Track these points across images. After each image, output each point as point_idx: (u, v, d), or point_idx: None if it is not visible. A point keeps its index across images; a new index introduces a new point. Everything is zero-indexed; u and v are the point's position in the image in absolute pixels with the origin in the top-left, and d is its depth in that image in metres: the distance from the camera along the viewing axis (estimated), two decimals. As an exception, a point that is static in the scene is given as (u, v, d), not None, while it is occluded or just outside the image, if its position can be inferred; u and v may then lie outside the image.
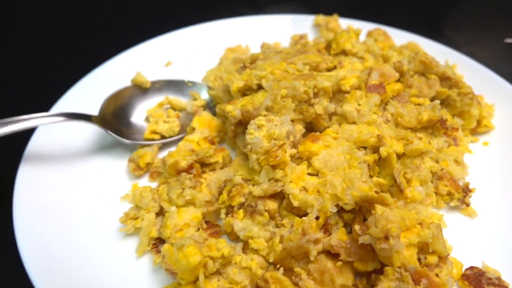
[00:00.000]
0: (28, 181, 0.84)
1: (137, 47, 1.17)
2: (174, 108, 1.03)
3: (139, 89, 1.03)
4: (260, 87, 0.91)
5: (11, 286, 0.77)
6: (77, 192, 0.86)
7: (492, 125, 0.99)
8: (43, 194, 0.83)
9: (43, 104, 1.00)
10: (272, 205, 0.74)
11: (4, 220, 0.81)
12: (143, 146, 0.94)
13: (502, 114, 1.01)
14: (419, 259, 0.68)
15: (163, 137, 0.98)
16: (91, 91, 1.03)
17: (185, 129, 0.98)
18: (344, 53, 1.01)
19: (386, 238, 0.63)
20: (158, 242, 0.76)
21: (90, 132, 0.97)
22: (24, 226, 0.76)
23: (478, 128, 0.98)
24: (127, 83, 1.02)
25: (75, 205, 0.83)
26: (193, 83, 1.07)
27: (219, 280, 0.70)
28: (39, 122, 0.83)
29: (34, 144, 0.90)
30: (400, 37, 1.20)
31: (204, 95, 1.05)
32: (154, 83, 1.04)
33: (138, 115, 1.01)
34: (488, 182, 0.88)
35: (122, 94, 1.00)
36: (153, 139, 0.96)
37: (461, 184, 0.85)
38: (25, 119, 0.82)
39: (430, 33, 1.25)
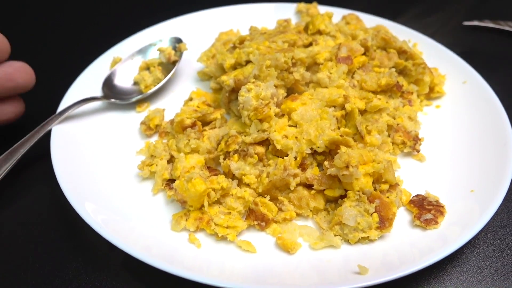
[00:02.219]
0: (61, 142, 1.02)
1: (134, 36, 1.35)
2: (154, 66, 1.23)
3: (123, 66, 1.25)
4: (248, 63, 1.10)
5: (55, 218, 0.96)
6: (101, 150, 1.03)
7: (443, 91, 1.18)
8: (75, 153, 1.01)
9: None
10: (260, 149, 0.93)
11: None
12: (145, 102, 1.18)
13: (453, 82, 1.20)
14: (375, 188, 0.88)
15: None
16: (94, 79, 1.21)
17: (168, 73, 1.21)
18: (319, 32, 1.20)
19: (347, 167, 0.83)
20: (170, 182, 0.94)
21: (101, 110, 1.15)
22: (63, 174, 0.93)
23: (432, 94, 1.18)
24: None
25: (100, 160, 1.00)
26: (156, 42, 1.28)
27: (219, 207, 0.89)
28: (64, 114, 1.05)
29: (57, 128, 1.06)
30: (370, 20, 1.39)
31: (168, 44, 1.27)
32: (128, 57, 1.26)
33: (129, 83, 1.23)
34: (438, 135, 1.07)
35: (112, 74, 1.22)
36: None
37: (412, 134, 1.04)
38: (50, 120, 1.03)
39: (398, 18, 1.45)
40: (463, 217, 0.85)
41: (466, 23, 1.60)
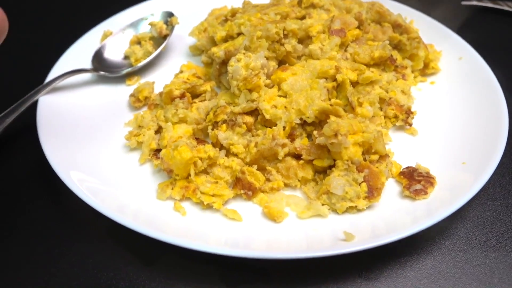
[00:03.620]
0: (48, 113, 1.00)
1: (127, 11, 1.33)
2: (145, 40, 1.22)
3: (113, 39, 1.23)
4: (239, 35, 1.08)
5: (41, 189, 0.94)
6: (89, 122, 1.02)
7: (438, 68, 1.17)
8: (61, 124, 1.00)
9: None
10: (249, 119, 0.91)
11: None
12: (135, 75, 1.16)
13: (448, 59, 1.18)
14: (364, 159, 0.86)
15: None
16: (84, 52, 1.19)
17: (159, 47, 1.20)
18: (313, 6, 1.17)
19: (336, 135, 0.81)
20: (157, 152, 0.93)
21: (90, 82, 1.14)
22: (49, 144, 0.91)
23: (427, 70, 1.16)
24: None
25: (88, 131, 0.99)
26: (147, 17, 1.26)
27: (206, 177, 0.87)
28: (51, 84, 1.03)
29: (45, 99, 1.05)
30: (366, -4, 1.37)
31: (159, 18, 1.26)
32: (119, 31, 1.24)
33: (120, 56, 1.21)
34: (431, 110, 1.06)
35: (103, 47, 1.20)
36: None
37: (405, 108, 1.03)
38: (37, 90, 1.02)
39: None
40: (453, 188, 0.83)
41: (464, 2, 1.57)
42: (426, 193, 0.83)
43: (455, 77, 1.14)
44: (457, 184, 0.84)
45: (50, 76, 1.10)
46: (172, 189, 0.85)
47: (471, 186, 0.82)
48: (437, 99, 1.09)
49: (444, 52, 1.20)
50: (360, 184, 0.82)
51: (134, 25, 1.26)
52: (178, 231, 0.77)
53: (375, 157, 0.87)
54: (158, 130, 0.97)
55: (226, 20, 1.15)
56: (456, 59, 1.18)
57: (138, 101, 1.06)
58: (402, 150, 0.96)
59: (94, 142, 0.97)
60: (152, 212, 0.82)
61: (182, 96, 0.99)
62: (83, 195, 0.80)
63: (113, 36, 1.23)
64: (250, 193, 0.84)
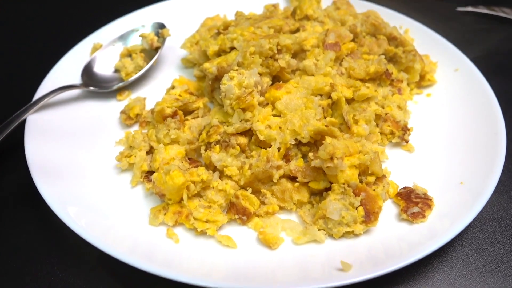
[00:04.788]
0: (36, 132, 0.97)
1: (116, 22, 1.30)
2: (136, 53, 1.19)
3: (103, 52, 1.20)
4: (232, 49, 1.05)
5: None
6: (78, 141, 0.99)
7: (434, 79, 1.15)
8: (50, 144, 0.97)
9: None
10: (242, 140, 0.89)
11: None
12: (126, 90, 1.14)
13: (444, 70, 1.17)
14: (360, 180, 0.85)
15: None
16: (72, 66, 1.16)
17: (151, 60, 1.17)
18: (307, 18, 1.15)
19: (332, 159, 0.80)
20: (149, 174, 0.91)
21: (79, 98, 1.11)
22: (36, 166, 0.89)
23: (423, 82, 1.14)
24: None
25: (77, 151, 0.96)
26: (138, 28, 1.23)
27: (199, 200, 0.85)
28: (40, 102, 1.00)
29: (33, 117, 1.01)
30: (361, 6, 1.34)
31: (150, 30, 1.23)
32: (109, 43, 1.21)
33: (110, 70, 1.18)
34: (428, 125, 1.04)
35: (92, 61, 1.17)
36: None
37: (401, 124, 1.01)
38: (25, 109, 0.99)
39: (390, 3, 1.40)
40: (451, 211, 0.82)
41: (459, 8, 1.56)
42: (424, 216, 0.81)
43: (451, 90, 1.12)
44: (456, 207, 0.83)
45: (39, 94, 1.07)
46: (165, 214, 0.83)
47: (470, 209, 0.80)
48: (434, 114, 1.07)
49: (440, 63, 1.18)
50: (357, 208, 0.80)
51: (124, 37, 1.23)
52: (171, 261, 0.75)
53: (371, 178, 0.85)
54: (150, 151, 0.95)
55: (218, 33, 1.13)
56: (452, 70, 1.16)
57: (129, 118, 1.04)
58: (399, 168, 0.94)
59: (83, 163, 0.94)
60: (144, 240, 0.79)
61: (174, 115, 0.96)
62: (72, 223, 0.78)
63: (103, 49, 1.20)
64: (244, 218, 0.82)
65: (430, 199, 0.85)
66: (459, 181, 0.88)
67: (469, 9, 1.55)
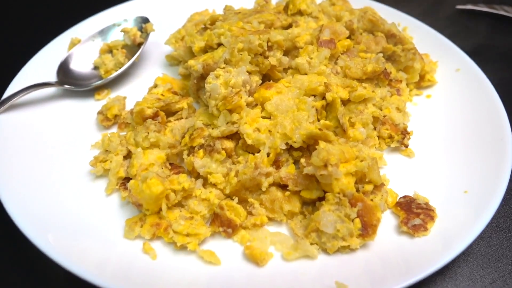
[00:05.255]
0: (4, 134, 0.90)
1: (97, 16, 1.22)
2: (117, 49, 1.11)
3: (81, 48, 1.11)
4: (219, 46, 0.97)
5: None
6: (51, 144, 0.92)
7: (435, 80, 1.08)
8: (19, 147, 0.89)
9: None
10: (228, 144, 0.82)
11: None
12: (105, 89, 1.06)
13: (445, 70, 1.10)
14: (357, 189, 0.77)
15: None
16: (48, 62, 1.08)
17: (133, 56, 1.09)
18: (300, 13, 1.08)
19: (325, 166, 0.72)
20: (126, 181, 0.83)
21: (54, 97, 1.03)
22: (3, 176, 0.81)
23: (422, 82, 1.07)
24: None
25: (49, 155, 0.89)
26: (120, 23, 1.15)
27: (180, 211, 0.78)
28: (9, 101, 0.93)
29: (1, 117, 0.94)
30: (358, 2, 1.27)
31: (133, 24, 1.15)
32: (88, 39, 1.13)
33: (88, 67, 1.10)
34: (428, 128, 0.97)
35: (69, 57, 1.09)
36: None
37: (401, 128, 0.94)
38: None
39: (388, 1, 1.34)
40: (455, 223, 0.75)
41: (459, 6, 1.49)
42: (426, 229, 0.74)
43: (452, 91, 1.05)
44: (460, 218, 0.76)
45: (9, 92, 0.98)
46: (142, 226, 0.75)
47: (476, 221, 0.74)
48: (434, 116, 1.01)
49: (440, 62, 1.12)
50: (353, 220, 0.73)
51: (105, 32, 1.14)
52: (147, 281, 0.67)
53: (369, 187, 0.78)
54: (128, 155, 0.87)
55: (205, 28, 1.05)
56: (453, 70, 1.09)
57: (107, 119, 0.96)
58: (398, 175, 0.87)
59: (55, 168, 0.87)
60: (118, 256, 0.71)
61: (155, 116, 0.88)
62: (36, 237, 0.70)
63: (82, 44, 1.12)
64: (229, 230, 0.75)
65: (433, 210, 0.78)
66: (463, 189, 0.82)
67: (469, 7, 1.49)
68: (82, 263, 0.67)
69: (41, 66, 1.08)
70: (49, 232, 0.72)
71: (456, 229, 0.74)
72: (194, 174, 0.83)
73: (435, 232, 0.75)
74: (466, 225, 0.74)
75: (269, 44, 0.92)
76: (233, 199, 0.78)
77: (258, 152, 0.80)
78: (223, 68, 0.89)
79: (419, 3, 1.50)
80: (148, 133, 0.84)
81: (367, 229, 0.73)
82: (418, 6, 1.47)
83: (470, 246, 0.79)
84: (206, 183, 0.81)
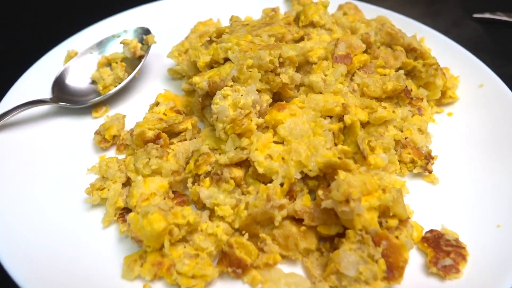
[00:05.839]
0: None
1: (94, 26, 1.15)
2: (116, 62, 1.04)
3: (78, 61, 1.05)
4: (226, 61, 0.90)
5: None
6: (44, 167, 0.85)
7: (456, 96, 1.01)
8: (10, 170, 0.82)
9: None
10: (237, 172, 0.74)
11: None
12: (103, 105, 0.99)
13: (467, 85, 1.03)
14: (380, 223, 0.70)
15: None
16: (42, 77, 1.02)
17: (133, 70, 1.02)
18: (312, 25, 1.00)
19: (347, 201, 0.65)
20: (125, 212, 0.76)
21: (49, 115, 0.96)
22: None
23: (443, 99, 1.00)
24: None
25: (42, 179, 0.83)
26: (119, 34, 1.08)
27: (185, 247, 0.70)
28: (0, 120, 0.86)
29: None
30: (370, 11, 1.21)
31: (133, 36, 1.08)
32: (86, 51, 1.06)
33: (86, 82, 1.03)
34: (451, 151, 0.90)
35: (65, 71, 1.02)
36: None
37: (424, 152, 0.86)
38: None
39: (400, 8, 1.26)
40: (490, 264, 0.68)
41: (476, 15, 1.42)
42: (458, 270, 0.67)
43: (475, 108, 0.98)
44: (495, 257, 0.68)
45: (0, 110, 0.91)
46: (142, 265, 0.68)
47: (513, 262, 0.66)
48: (457, 136, 0.93)
49: (461, 77, 1.04)
50: (377, 261, 0.65)
51: (103, 44, 1.08)
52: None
53: (393, 222, 0.70)
54: (127, 182, 0.80)
55: (210, 41, 0.98)
56: (476, 86, 1.02)
57: (104, 141, 0.89)
58: (422, 205, 0.80)
59: (47, 195, 0.80)
60: (115, 300, 0.64)
61: (156, 139, 0.81)
62: (21, 277, 0.63)
63: (79, 57, 1.05)
64: (239, 271, 0.67)
65: (464, 248, 0.71)
66: (495, 223, 0.74)
67: (487, 15, 1.41)
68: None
69: (35, 81, 1.01)
70: (35, 272, 0.65)
71: (491, 272, 0.66)
72: (200, 204, 0.75)
73: (468, 274, 0.67)
74: (503, 265, 0.66)
75: (281, 60, 0.84)
76: (242, 234, 0.71)
77: (270, 182, 0.73)
78: (231, 86, 0.81)
79: (434, 11, 1.42)
80: (150, 159, 0.77)
81: (393, 272, 0.65)
82: (433, 15, 1.40)
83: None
84: (213, 215, 0.74)
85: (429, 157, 0.84)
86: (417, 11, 1.44)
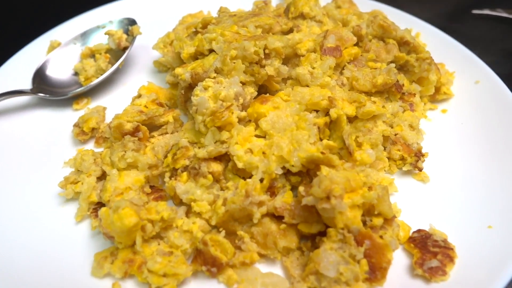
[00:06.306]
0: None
1: (79, 17, 1.13)
2: (100, 53, 1.01)
3: (61, 52, 1.02)
4: (211, 52, 0.87)
5: None
6: (19, 158, 0.83)
7: (451, 93, 0.97)
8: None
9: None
10: (216, 167, 0.71)
11: None
12: (84, 97, 0.97)
13: (462, 82, 0.99)
14: (364, 221, 0.67)
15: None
16: (24, 67, 0.99)
17: (117, 59, 0.99)
18: (302, 16, 0.97)
19: (328, 198, 0.61)
20: (99, 207, 0.73)
21: (29, 106, 0.93)
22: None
23: (438, 95, 0.96)
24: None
25: (16, 171, 0.80)
26: (105, 25, 1.05)
27: (159, 244, 0.67)
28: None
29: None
30: (366, 5, 1.17)
31: (118, 26, 1.05)
32: (69, 42, 1.03)
33: (68, 73, 1.00)
34: (443, 149, 0.86)
35: (47, 62, 0.99)
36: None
37: (414, 148, 0.83)
38: None
39: (398, 3, 1.23)
40: (479, 266, 0.64)
41: (476, 11, 1.38)
42: (445, 273, 0.64)
43: (471, 105, 0.94)
44: (484, 260, 0.65)
45: (-24, 99, 0.89)
46: (112, 262, 0.64)
47: (503, 265, 0.62)
48: (451, 134, 0.89)
49: (457, 73, 1.01)
50: (359, 261, 0.62)
51: (87, 34, 1.05)
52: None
53: (378, 221, 0.67)
54: (103, 176, 0.76)
55: (196, 32, 0.95)
56: (471, 82, 0.98)
57: (83, 133, 0.86)
58: (411, 204, 0.76)
59: (21, 188, 0.77)
60: (81, 299, 0.61)
61: (135, 131, 0.78)
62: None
63: (62, 47, 1.02)
64: (214, 269, 0.64)
65: (452, 249, 0.67)
66: (486, 224, 0.71)
67: (486, 12, 1.38)
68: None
69: (16, 72, 0.99)
70: (1, 265, 0.62)
71: (480, 274, 0.63)
72: (177, 200, 0.72)
73: (455, 277, 0.64)
74: (492, 269, 0.63)
75: (266, 51, 0.81)
76: (219, 232, 0.67)
77: (250, 177, 0.69)
78: (214, 78, 0.78)
79: (432, 7, 1.39)
80: (125, 152, 0.74)
81: (375, 273, 0.62)
82: (431, 10, 1.36)
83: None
84: (189, 211, 0.71)
85: (419, 154, 0.81)
86: (416, 6, 1.41)
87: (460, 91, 0.98)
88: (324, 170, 0.66)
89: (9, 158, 0.82)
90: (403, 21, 1.09)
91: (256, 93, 0.82)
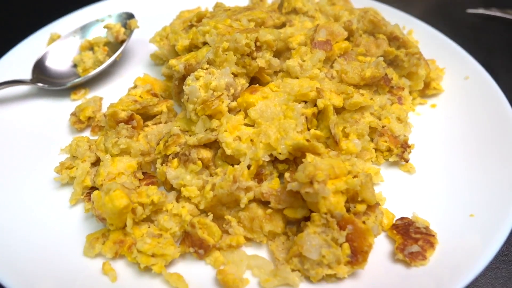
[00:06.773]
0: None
1: (79, 11, 1.15)
2: (98, 46, 1.03)
3: (61, 44, 1.04)
4: (205, 45, 0.89)
5: None
6: (17, 146, 0.85)
7: (441, 88, 0.99)
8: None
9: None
10: (206, 153, 0.73)
11: None
12: (82, 88, 0.99)
13: (452, 77, 1.01)
14: (348, 208, 0.69)
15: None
16: (24, 58, 1.02)
17: (115, 52, 1.02)
18: (295, 11, 1.00)
19: (311, 183, 0.64)
20: (92, 191, 0.75)
21: (28, 96, 0.96)
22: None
23: (427, 91, 0.99)
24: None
25: (14, 158, 0.83)
26: (104, 18, 1.08)
27: (149, 227, 0.69)
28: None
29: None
30: (360, 3, 1.19)
31: (117, 20, 1.07)
32: (69, 34, 1.05)
33: (67, 65, 1.02)
34: (430, 141, 0.88)
35: (47, 53, 1.01)
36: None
37: (401, 140, 0.85)
38: None
39: (392, 1, 1.25)
40: (458, 251, 0.66)
41: (470, 10, 1.40)
42: (424, 257, 0.65)
43: (460, 100, 0.96)
44: (464, 246, 0.67)
45: (-23, 88, 0.92)
46: (104, 243, 0.67)
47: (483, 250, 0.65)
48: (439, 128, 0.91)
49: (447, 69, 1.02)
50: (341, 245, 0.64)
51: (87, 27, 1.07)
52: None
53: (361, 207, 0.69)
54: (97, 162, 0.79)
55: (191, 26, 0.97)
56: (461, 78, 1.00)
57: (79, 122, 0.88)
58: (396, 193, 0.78)
59: (19, 174, 0.79)
60: (73, 276, 0.63)
61: (129, 120, 0.81)
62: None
63: (62, 40, 1.05)
64: (201, 251, 0.66)
65: (433, 235, 0.69)
66: (468, 212, 0.73)
67: (481, 11, 1.39)
68: (28, 283, 0.59)
69: (16, 62, 1.01)
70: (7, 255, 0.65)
71: (459, 259, 0.65)
72: (168, 186, 0.75)
73: (435, 262, 0.66)
74: (471, 254, 0.65)
75: (258, 44, 0.83)
76: (208, 216, 0.70)
77: (238, 164, 0.72)
78: (206, 69, 0.80)
79: (426, 6, 1.41)
80: (118, 138, 0.76)
81: (357, 256, 0.64)
82: (425, 8, 1.38)
83: (475, 278, 0.70)
84: (179, 196, 0.73)
85: (405, 146, 0.83)
86: (410, 5, 1.42)
87: (450, 86, 1.00)
88: (309, 157, 0.68)
89: (8, 144, 0.85)
90: (396, 18, 1.11)
91: (247, 84, 0.84)
